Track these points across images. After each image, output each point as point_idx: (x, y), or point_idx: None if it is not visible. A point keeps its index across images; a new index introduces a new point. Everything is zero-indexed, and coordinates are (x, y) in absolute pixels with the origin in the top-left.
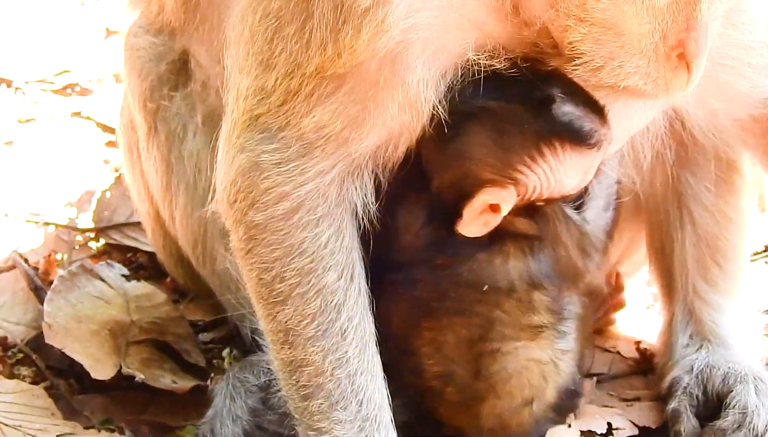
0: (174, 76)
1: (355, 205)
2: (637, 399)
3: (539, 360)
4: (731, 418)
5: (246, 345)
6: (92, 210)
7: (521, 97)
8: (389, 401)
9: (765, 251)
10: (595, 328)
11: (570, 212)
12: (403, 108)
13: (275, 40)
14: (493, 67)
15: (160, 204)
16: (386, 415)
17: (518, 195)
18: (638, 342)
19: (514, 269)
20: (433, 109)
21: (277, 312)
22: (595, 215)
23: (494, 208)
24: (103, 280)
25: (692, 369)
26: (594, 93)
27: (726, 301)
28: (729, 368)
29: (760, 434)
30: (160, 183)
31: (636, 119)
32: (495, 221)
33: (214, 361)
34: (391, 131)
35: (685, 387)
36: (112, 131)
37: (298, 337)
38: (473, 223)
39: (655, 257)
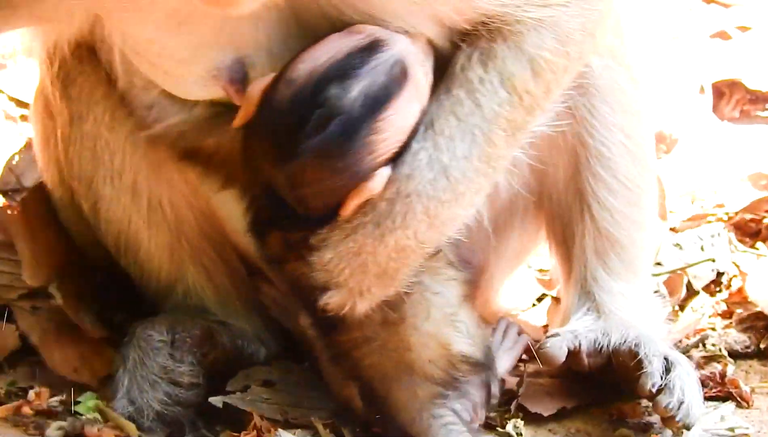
0: None
1: None
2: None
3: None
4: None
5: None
6: None
7: None
8: None
9: None
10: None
11: None
12: None
13: None
14: None
15: (82, 194)
16: None
17: None
18: (545, 327)
19: None
20: None
21: None
22: None
23: None
24: None
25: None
26: None
27: (627, 287)
28: (629, 334)
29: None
30: (84, 173)
31: None
32: None
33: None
34: None
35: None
36: (25, 105)
37: None
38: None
39: (555, 247)
